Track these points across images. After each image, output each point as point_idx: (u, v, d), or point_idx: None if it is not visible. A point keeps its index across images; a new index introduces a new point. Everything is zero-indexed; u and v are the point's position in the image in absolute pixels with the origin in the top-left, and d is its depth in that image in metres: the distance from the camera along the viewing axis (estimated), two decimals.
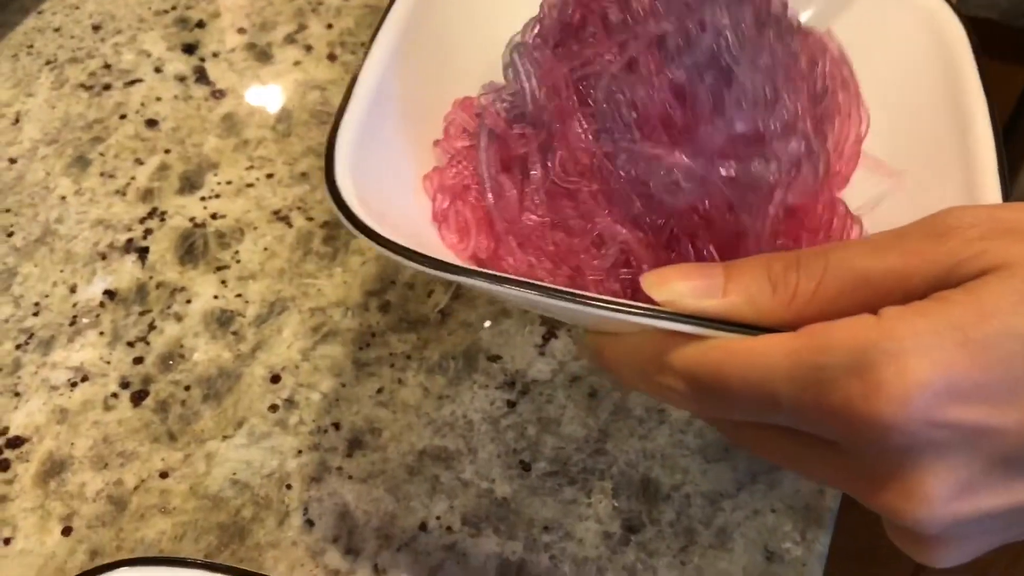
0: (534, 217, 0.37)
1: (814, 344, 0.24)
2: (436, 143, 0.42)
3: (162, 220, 0.53)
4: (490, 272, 0.31)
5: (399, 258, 0.31)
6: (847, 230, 0.37)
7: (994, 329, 0.23)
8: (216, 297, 0.50)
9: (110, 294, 0.50)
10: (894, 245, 0.25)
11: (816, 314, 0.25)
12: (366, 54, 0.38)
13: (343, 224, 0.32)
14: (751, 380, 0.26)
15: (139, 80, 0.61)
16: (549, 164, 0.37)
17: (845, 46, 0.43)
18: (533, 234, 0.36)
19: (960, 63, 0.40)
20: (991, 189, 0.34)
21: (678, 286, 0.27)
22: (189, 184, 0.55)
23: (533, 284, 0.30)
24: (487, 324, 0.48)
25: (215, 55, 0.62)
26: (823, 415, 0.24)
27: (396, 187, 0.39)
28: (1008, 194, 0.35)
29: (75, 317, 0.49)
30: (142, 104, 0.59)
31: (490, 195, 0.37)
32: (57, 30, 0.64)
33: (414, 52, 0.41)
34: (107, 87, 0.60)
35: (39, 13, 0.65)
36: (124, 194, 0.54)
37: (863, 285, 0.25)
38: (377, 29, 0.40)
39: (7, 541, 0.42)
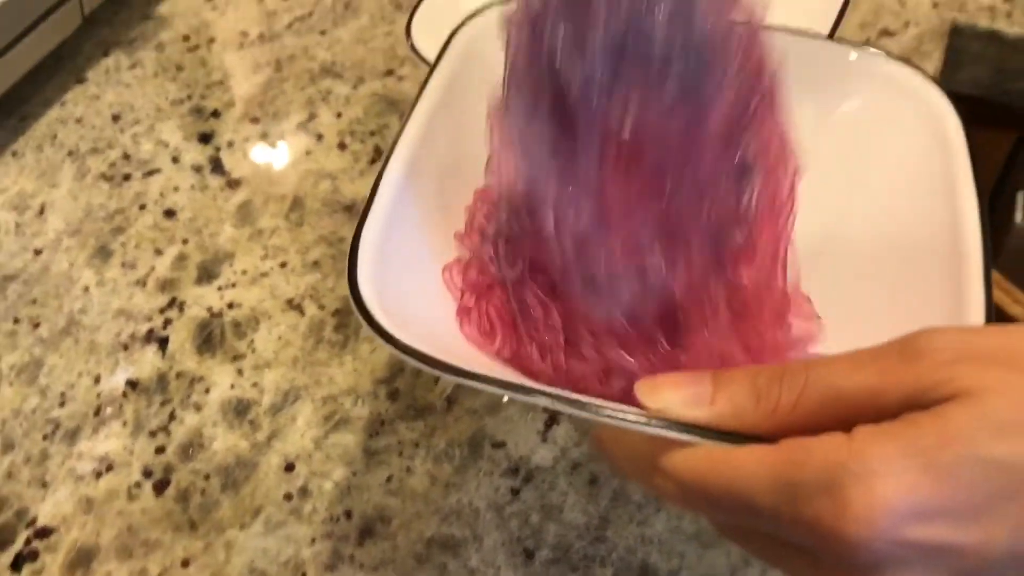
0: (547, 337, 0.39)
1: (791, 459, 0.26)
2: (458, 236, 0.45)
3: (181, 310, 0.56)
4: (500, 379, 0.33)
5: (421, 365, 0.33)
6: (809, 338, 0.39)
7: (956, 455, 0.25)
8: (233, 386, 0.52)
9: (132, 384, 0.53)
10: (870, 364, 0.27)
11: (796, 426, 0.27)
12: (391, 151, 0.41)
13: (363, 324, 0.35)
14: (733, 490, 0.28)
15: (157, 170, 0.64)
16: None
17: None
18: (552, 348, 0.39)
19: (955, 160, 0.42)
20: (976, 297, 0.36)
21: (669, 395, 0.29)
22: (206, 274, 0.57)
23: (540, 391, 0.32)
24: (500, 402, 0.51)
25: (230, 144, 0.65)
26: (798, 527, 0.27)
27: (419, 279, 0.42)
28: (990, 296, 0.37)
29: (99, 407, 0.52)
30: (160, 194, 0.62)
31: (517, 311, 0.40)
32: (79, 121, 0.67)
33: (437, 145, 0.44)
34: (127, 177, 0.63)
35: (62, 104, 0.68)
36: (144, 284, 0.57)
37: (840, 401, 0.27)
38: (403, 125, 0.43)
39: None
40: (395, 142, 0.42)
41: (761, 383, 0.28)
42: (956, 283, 0.38)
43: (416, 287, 0.41)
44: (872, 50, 0.47)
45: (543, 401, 0.32)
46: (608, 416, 0.31)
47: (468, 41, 0.48)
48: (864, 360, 0.27)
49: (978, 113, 0.87)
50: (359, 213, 0.60)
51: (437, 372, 0.34)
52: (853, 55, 0.47)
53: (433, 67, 0.46)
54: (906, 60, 0.46)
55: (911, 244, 0.42)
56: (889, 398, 0.26)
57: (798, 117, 0.48)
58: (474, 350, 0.41)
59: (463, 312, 0.42)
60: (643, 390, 0.30)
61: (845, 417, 0.27)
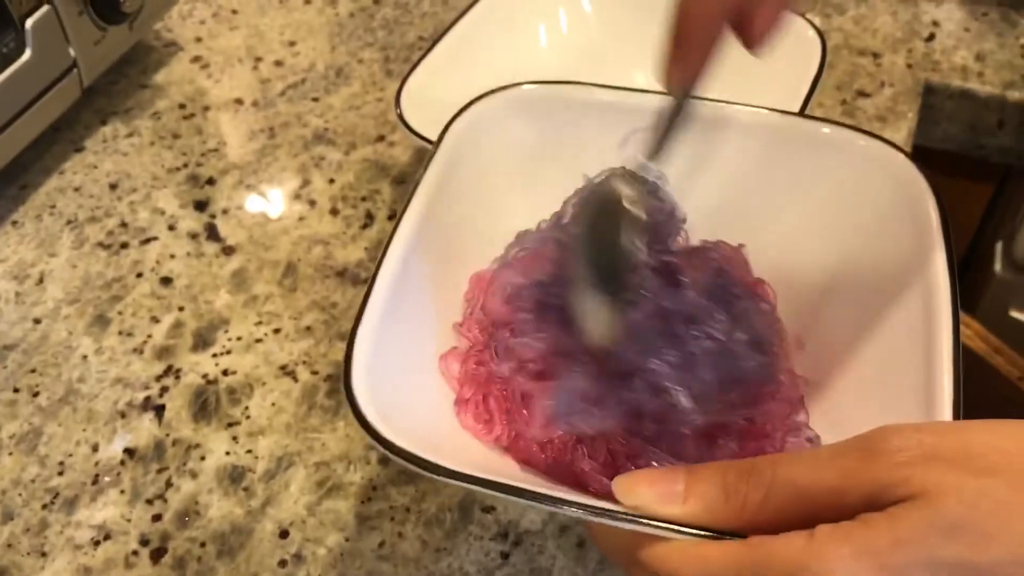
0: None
1: (756, 558, 0.28)
2: (455, 327, 0.46)
3: (177, 378, 0.57)
4: (490, 479, 0.35)
5: (416, 468, 0.35)
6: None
7: (908, 556, 0.26)
8: (228, 453, 0.53)
9: (130, 452, 0.54)
10: (832, 463, 0.29)
11: (763, 522, 0.29)
12: (387, 243, 0.43)
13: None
14: None
15: (154, 238, 0.65)
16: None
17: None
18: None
19: (930, 233, 0.43)
20: (945, 387, 0.38)
21: (644, 492, 0.31)
22: (202, 341, 0.59)
23: (526, 491, 0.34)
24: None
25: (225, 211, 0.67)
26: None
27: (417, 368, 0.43)
28: (959, 385, 0.38)
29: (97, 476, 0.53)
30: (157, 262, 0.64)
31: (522, 410, 0.42)
32: (77, 189, 0.69)
33: (434, 234, 0.46)
34: (124, 245, 0.65)
35: (60, 173, 0.70)
36: (142, 352, 0.58)
37: (804, 500, 0.29)
38: (400, 216, 0.45)
39: None
40: (392, 233, 0.44)
41: (730, 481, 0.30)
42: (927, 369, 0.39)
43: (414, 378, 0.43)
44: (844, 127, 0.49)
45: (522, 501, 0.34)
46: (589, 513, 0.33)
47: (463, 131, 0.50)
48: (826, 459, 0.29)
49: (957, 166, 0.89)
50: (351, 278, 0.62)
51: (431, 475, 0.35)
52: (826, 130, 0.49)
53: (429, 159, 0.48)
54: (877, 135, 0.48)
55: (888, 330, 0.44)
56: (849, 498, 0.28)
57: (776, 193, 0.50)
58: (471, 439, 0.42)
59: (461, 402, 0.43)
60: (620, 487, 0.32)
61: (809, 515, 0.28)
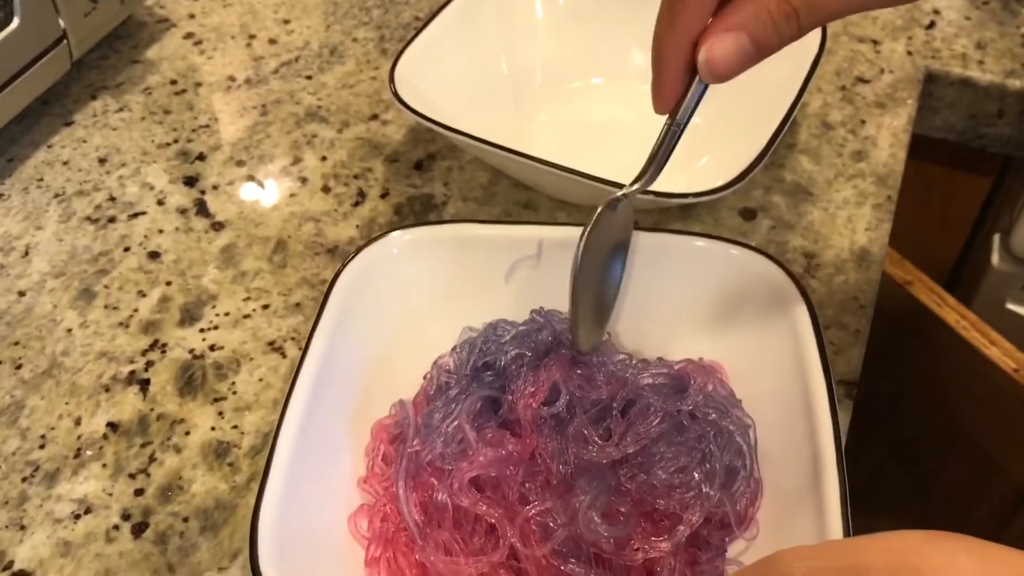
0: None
1: None
2: (359, 482, 0.47)
3: (163, 352, 0.56)
4: None
5: None
6: None
7: None
8: (213, 428, 0.53)
9: (113, 426, 0.53)
10: None
11: None
12: (283, 412, 0.45)
13: None
14: None
15: (142, 213, 0.64)
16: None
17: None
18: None
19: (803, 338, 0.47)
20: (832, 499, 0.41)
21: None
22: (189, 316, 0.58)
23: None
24: None
25: (215, 187, 0.66)
26: None
27: (326, 533, 0.45)
28: (845, 490, 0.41)
29: (79, 449, 0.52)
30: (145, 236, 0.63)
31: (423, 549, 0.44)
32: (65, 163, 0.68)
33: (332, 391, 0.47)
34: (112, 220, 0.64)
35: (48, 147, 0.69)
36: (127, 326, 0.57)
37: None
38: (294, 378, 0.46)
39: None
40: (287, 400, 0.45)
41: None
42: (814, 471, 0.43)
43: (324, 544, 0.44)
44: (717, 239, 0.53)
45: None
46: None
47: (351, 281, 0.51)
48: None
49: (955, 156, 0.88)
50: (342, 255, 0.61)
51: None
52: (700, 243, 0.53)
53: (317, 316, 0.49)
54: (748, 245, 0.52)
55: (778, 438, 0.47)
56: None
57: (670, 300, 0.53)
58: None
59: (372, 563, 0.44)
60: None
61: None
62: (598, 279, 0.50)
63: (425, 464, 0.46)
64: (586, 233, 0.47)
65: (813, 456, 0.43)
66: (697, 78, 0.41)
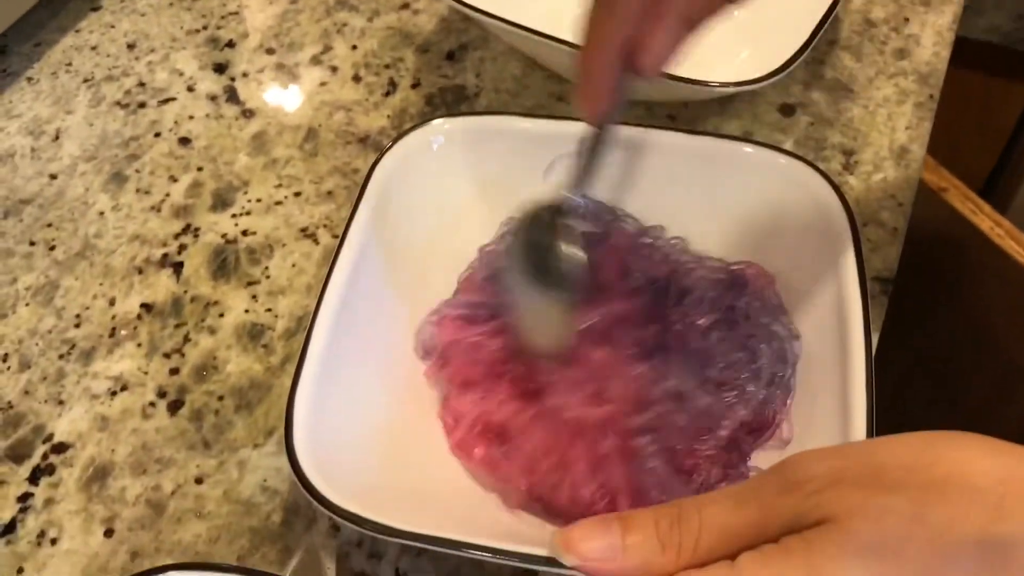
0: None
1: None
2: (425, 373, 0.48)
3: (195, 236, 0.56)
4: (427, 534, 0.37)
5: (346, 523, 0.38)
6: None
7: None
8: (247, 311, 0.53)
9: (147, 307, 0.53)
10: (752, 499, 0.30)
11: (698, 562, 0.30)
12: (319, 301, 0.44)
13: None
14: None
15: (172, 99, 0.64)
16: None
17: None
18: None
19: (843, 251, 0.46)
20: (859, 401, 0.41)
21: (582, 549, 0.31)
22: (221, 201, 0.58)
23: (468, 544, 0.36)
24: None
25: (245, 75, 0.65)
26: None
27: (361, 417, 0.45)
28: (872, 396, 0.41)
29: (114, 329, 0.52)
30: (175, 122, 0.62)
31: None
32: (94, 48, 0.67)
33: (366, 285, 0.47)
34: (142, 105, 0.63)
35: (76, 32, 0.68)
36: (159, 210, 0.57)
37: (732, 537, 0.30)
38: (330, 270, 0.45)
39: (53, 541, 0.45)
40: (326, 282, 0.45)
41: (663, 530, 0.31)
42: (842, 377, 0.42)
43: (358, 423, 0.44)
44: (766, 147, 0.51)
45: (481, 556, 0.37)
46: (535, 562, 0.36)
47: (391, 168, 0.50)
48: (747, 495, 0.30)
49: (997, 62, 0.86)
50: (374, 145, 0.60)
51: (383, 536, 0.37)
52: (748, 149, 0.51)
53: (358, 198, 0.48)
54: (797, 155, 0.50)
55: (807, 337, 0.47)
56: (772, 528, 0.29)
57: (699, 207, 0.52)
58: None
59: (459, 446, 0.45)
60: (556, 545, 0.32)
61: (738, 548, 0.30)
62: (543, 282, 0.46)
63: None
64: (511, 239, 0.47)
65: (842, 360, 0.43)
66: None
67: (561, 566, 0.36)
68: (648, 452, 0.42)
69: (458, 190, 0.53)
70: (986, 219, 0.78)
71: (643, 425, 0.42)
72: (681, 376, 0.44)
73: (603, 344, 0.45)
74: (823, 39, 0.66)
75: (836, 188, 0.48)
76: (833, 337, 0.45)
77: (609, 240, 0.48)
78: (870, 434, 0.40)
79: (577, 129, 0.52)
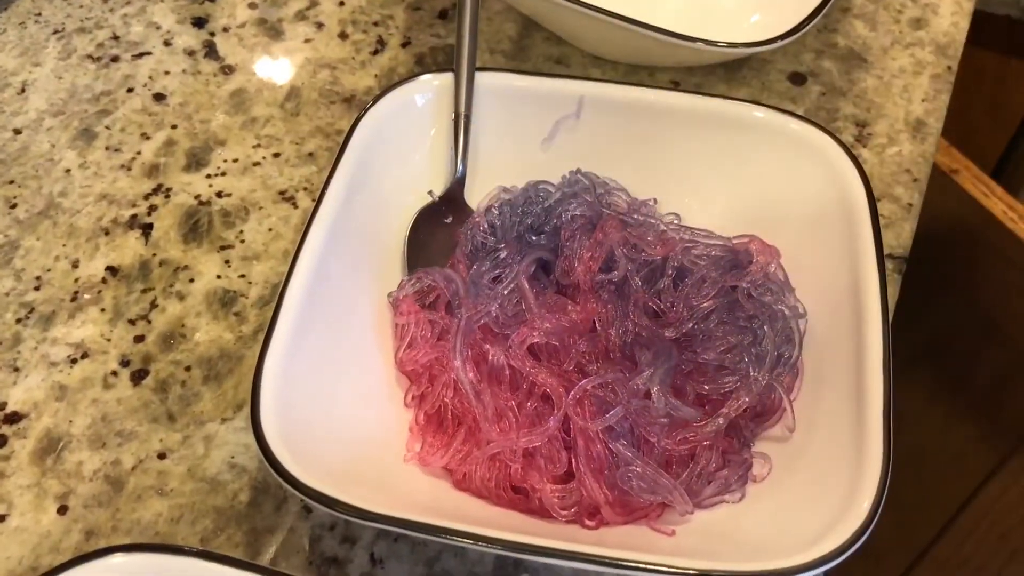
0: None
1: None
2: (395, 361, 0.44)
3: (167, 197, 0.53)
4: (405, 518, 0.34)
5: (318, 505, 0.35)
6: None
7: None
8: (219, 277, 0.49)
9: (112, 270, 0.50)
10: None
11: None
12: (291, 269, 0.41)
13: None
14: None
15: (148, 53, 0.60)
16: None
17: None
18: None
19: (859, 223, 0.43)
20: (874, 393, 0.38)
21: None
22: (195, 161, 0.54)
23: (449, 530, 0.34)
24: None
25: (225, 30, 0.61)
26: None
27: (334, 392, 0.41)
28: (889, 376, 0.38)
29: (76, 293, 0.49)
30: (150, 78, 0.59)
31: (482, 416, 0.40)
32: None
33: (344, 250, 0.44)
34: (115, 59, 0.60)
35: None
36: (130, 169, 0.54)
37: None
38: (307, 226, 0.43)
39: (2, 518, 0.41)
40: (299, 247, 0.42)
41: None
42: (857, 367, 0.39)
43: (331, 398, 0.41)
44: (778, 111, 0.48)
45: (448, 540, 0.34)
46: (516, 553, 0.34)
47: (375, 124, 0.47)
48: None
49: (1012, 40, 0.83)
50: (359, 106, 0.57)
51: (352, 518, 0.35)
52: (758, 113, 0.48)
53: (338, 157, 0.46)
54: (810, 120, 0.47)
55: (817, 316, 0.44)
56: None
57: (702, 177, 0.49)
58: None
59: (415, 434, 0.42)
60: None
61: None
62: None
63: (476, 328, 0.42)
64: (407, 236, 0.47)
65: (856, 340, 0.40)
66: None
67: (544, 555, 0.33)
68: (621, 446, 0.39)
69: (447, 151, 0.49)
70: (999, 202, 0.75)
71: (610, 419, 0.39)
72: (665, 367, 0.40)
73: (579, 341, 0.42)
74: (836, 6, 0.63)
75: (853, 157, 0.45)
76: (846, 316, 0.41)
77: (598, 233, 0.44)
78: (887, 419, 0.37)
79: (575, 88, 0.49)
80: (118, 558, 0.31)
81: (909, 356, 0.84)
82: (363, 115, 0.47)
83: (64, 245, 0.51)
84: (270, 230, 0.51)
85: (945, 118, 0.59)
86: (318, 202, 0.43)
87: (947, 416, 0.83)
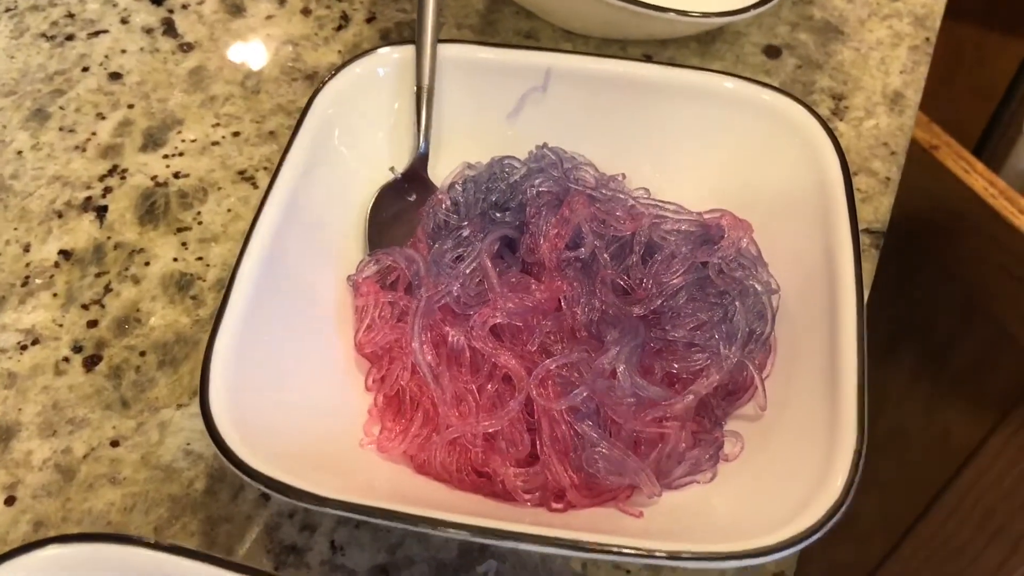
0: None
1: None
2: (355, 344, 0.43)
3: (123, 178, 0.51)
4: (365, 504, 0.33)
5: (270, 491, 0.33)
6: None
7: None
8: (176, 260, 0.48)
9: (65, 254, 0.48)
10: None
11: None
12: (243, 250, 0.39)
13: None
14: None
15: (104, 31, 0.58)
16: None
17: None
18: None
19: (834, 195, 0.42)
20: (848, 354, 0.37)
21: None
22: (152, 141, 0.53)
23: (412, 516, 0.32)
24: None
25: (184, 7, 0.60)
26: None
27: (290, 378, 0.40)
28: (862, 343, 0.37)
29: (28, 277, 0.47)
30: (106, 56, 0.57)
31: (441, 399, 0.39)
32: None
33: (300, 231, 0.42)
34: (70, 37, 0.58)
35: None
36: (84, 150, 0.52)
37: None
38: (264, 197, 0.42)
39: None
40: (251, 227, 0.40)
41: None
42: (831, 343, 0.38)
43: (287, 384, 0.39)
44: (752, 81, 0.47)
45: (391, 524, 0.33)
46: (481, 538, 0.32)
47: (333, 100, 0.46)
48: None
49: (992, 16, 0.82)
50: (321, 81, 0.55)
51: (302, 503, 0.33)
52: (729, 84, 0.46)
53: (293, 134, 0.44)
54: (782, 90, 0.46)
55: (791, 291, 0.43)
56: None
57: (672, 151, 0.48)
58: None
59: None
60: None
61: None
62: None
63: (436, 309, 0.41)
64: (368, 214, 0.46)
65: (831, 317, 0.38)
66: None
67: (510, 539, 0.32)
68: (587, 427, 0.37)
69: (409, 126, 0.48)
70: (979, 178, 0.74)
71: (574, 398, 0.38)
72: (631, 345, 0.39)
73: (543, 321, 0.40)
74: None
75: (827, 128, 0.44)
76: (820, 291, 0.40)
77: (564, 210, 0.43)
78: (861, 395, 0.35)
79: (543, 60, 0.47)
80: (51, 550, 0.29)
81: (891, 335, 0.83)
82: (321, 88, 0.45)
83: (15, 229, 0.49)
84: (229, 211, 0.50)
85: (925, 94, 0.58)
86: (273, 177, 0.42)
87: (929, 395, 0.83)
